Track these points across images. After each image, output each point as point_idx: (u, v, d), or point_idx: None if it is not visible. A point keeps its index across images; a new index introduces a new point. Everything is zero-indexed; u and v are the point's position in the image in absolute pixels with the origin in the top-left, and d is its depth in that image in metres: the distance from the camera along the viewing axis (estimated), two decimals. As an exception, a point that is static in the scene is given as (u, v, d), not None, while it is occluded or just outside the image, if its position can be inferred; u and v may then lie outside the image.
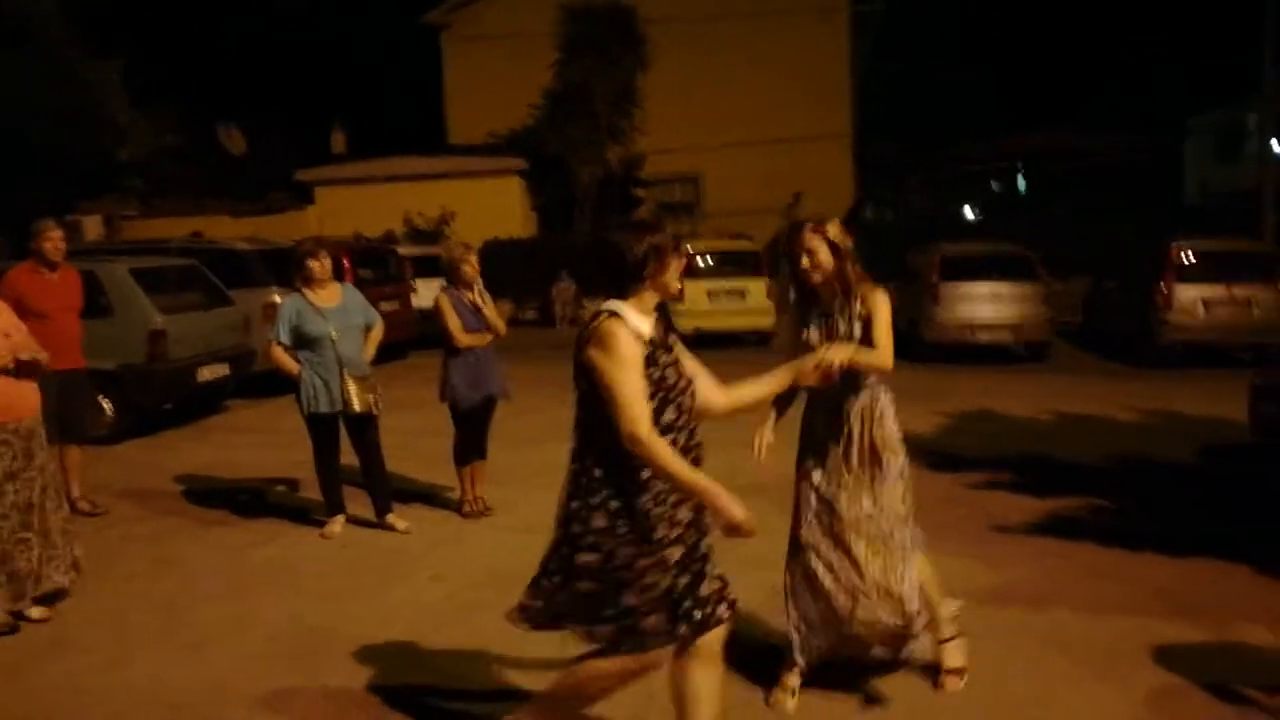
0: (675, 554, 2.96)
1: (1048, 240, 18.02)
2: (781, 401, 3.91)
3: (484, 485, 6.54)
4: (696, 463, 3.00)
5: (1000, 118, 28.21)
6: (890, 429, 3.85)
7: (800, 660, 3.83)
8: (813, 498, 3.85)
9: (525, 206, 23.52)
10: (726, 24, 24.52)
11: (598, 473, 2.95)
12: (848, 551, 3.74)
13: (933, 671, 3.96)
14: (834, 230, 3.88)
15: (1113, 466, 7.70)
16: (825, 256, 3.82)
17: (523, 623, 3.11)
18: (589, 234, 22.07)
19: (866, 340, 3.72)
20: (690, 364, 3.13)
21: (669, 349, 3.05)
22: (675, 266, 3.05)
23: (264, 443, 9.05)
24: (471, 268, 6.26)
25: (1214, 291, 12.74)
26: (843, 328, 3.79)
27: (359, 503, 6.40)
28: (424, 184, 22.23)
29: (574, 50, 21.53)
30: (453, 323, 6.18)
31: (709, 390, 3.16)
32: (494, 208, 22.11)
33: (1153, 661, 4.17)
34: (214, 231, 17.84)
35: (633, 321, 2.94)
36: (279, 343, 5.94)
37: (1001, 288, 13.42)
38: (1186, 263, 12.98)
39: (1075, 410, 9.88)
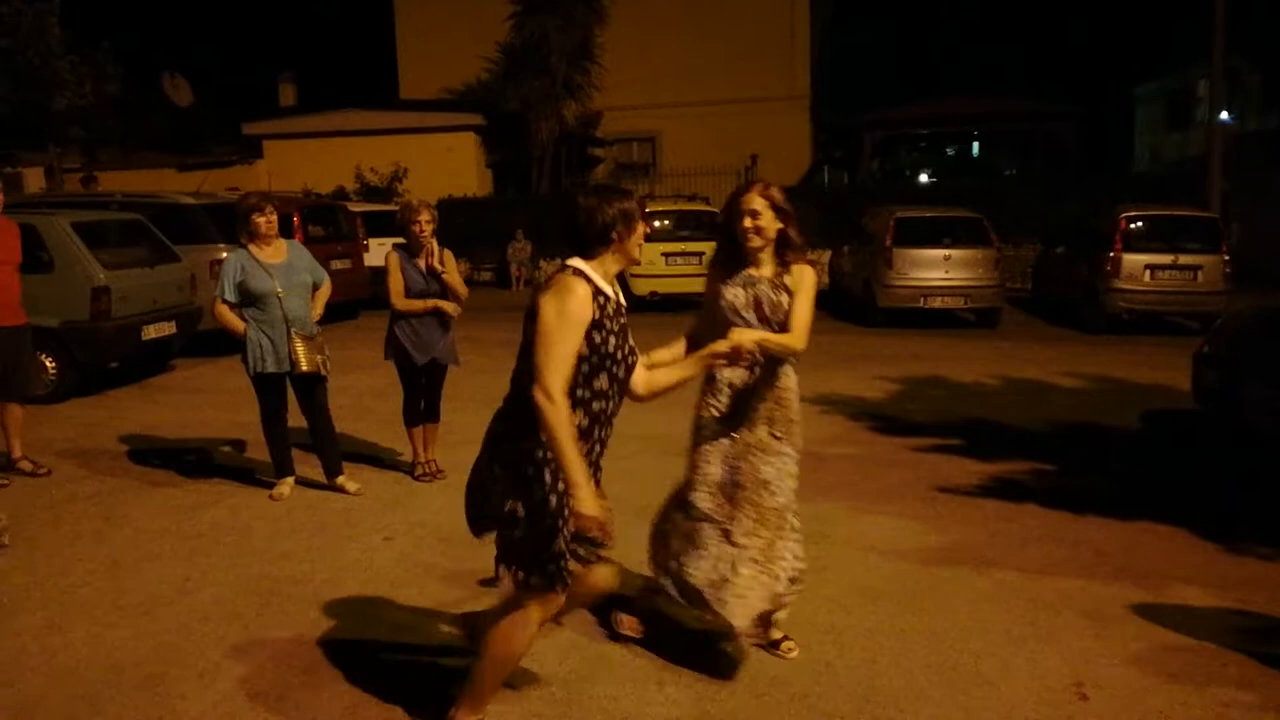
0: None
1: (999, 206, 18.20)
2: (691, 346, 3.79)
3: (436, 447, 6.49)
4: (605, 437, 3.15)
5: (954, 83, 28.32)
6: (791, 410, 3.79)
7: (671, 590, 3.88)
8: (710, 466, 3.78)
9: (480, 164, 23.24)
10: (686, -20, 24.35)
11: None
12: (733, 523, 3.72)
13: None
14: (779, 195, 3.78)
15: (1058, 431, 7.84)
16: (769, 220, 3.72)
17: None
18: (546, 193, 21.90)
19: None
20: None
21: (621, 316, 3.10)
22: (640, 234, 3.11)
23: (212, 402, 8.92)
24: (421, 229, 6.02)
25: (1160, 259, 12.95)
26: (772, 297, 3.73)
27: (309, 464, 6.34)
28: (376, 139, 21.90)
29: (529, 3, 21.20)
30: (394, 284, 6.04)
31: (632, 381, 3.22)
32: (448, 165, 21.83)
33: (1092, 622, 4.27)
34: (159, 185, 17.42)
35: (596, 281, 3.00)
36: (224, 300, 5.82)
37: (954, 253, 13.53)
38: (1133, 230, 13.18)
39: (1023, 375, 10.03)
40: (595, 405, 3.05)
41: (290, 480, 6.15)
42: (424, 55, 24.94)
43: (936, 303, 13.58)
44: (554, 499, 2.99)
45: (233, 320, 5.84)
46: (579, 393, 3.00)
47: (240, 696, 3.67)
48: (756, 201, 3.73)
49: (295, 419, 6.14)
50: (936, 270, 13.53)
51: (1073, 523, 5.58)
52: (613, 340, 3.03)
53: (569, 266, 3.02)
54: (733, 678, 3.77)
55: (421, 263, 6.05)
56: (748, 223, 3.72)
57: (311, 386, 6.04)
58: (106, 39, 18.32)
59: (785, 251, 3.76)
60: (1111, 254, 12.98)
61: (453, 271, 6.17)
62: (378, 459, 6.91)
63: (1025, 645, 4.04)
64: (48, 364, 8.75)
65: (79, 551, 5.22)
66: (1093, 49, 34.11)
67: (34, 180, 21.25)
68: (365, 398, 8.72)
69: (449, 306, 6.13)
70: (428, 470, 6.40)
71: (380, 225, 15.74)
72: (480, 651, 3.22)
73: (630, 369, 3.14)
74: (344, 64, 29.02)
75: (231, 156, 22.92)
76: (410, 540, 5.32)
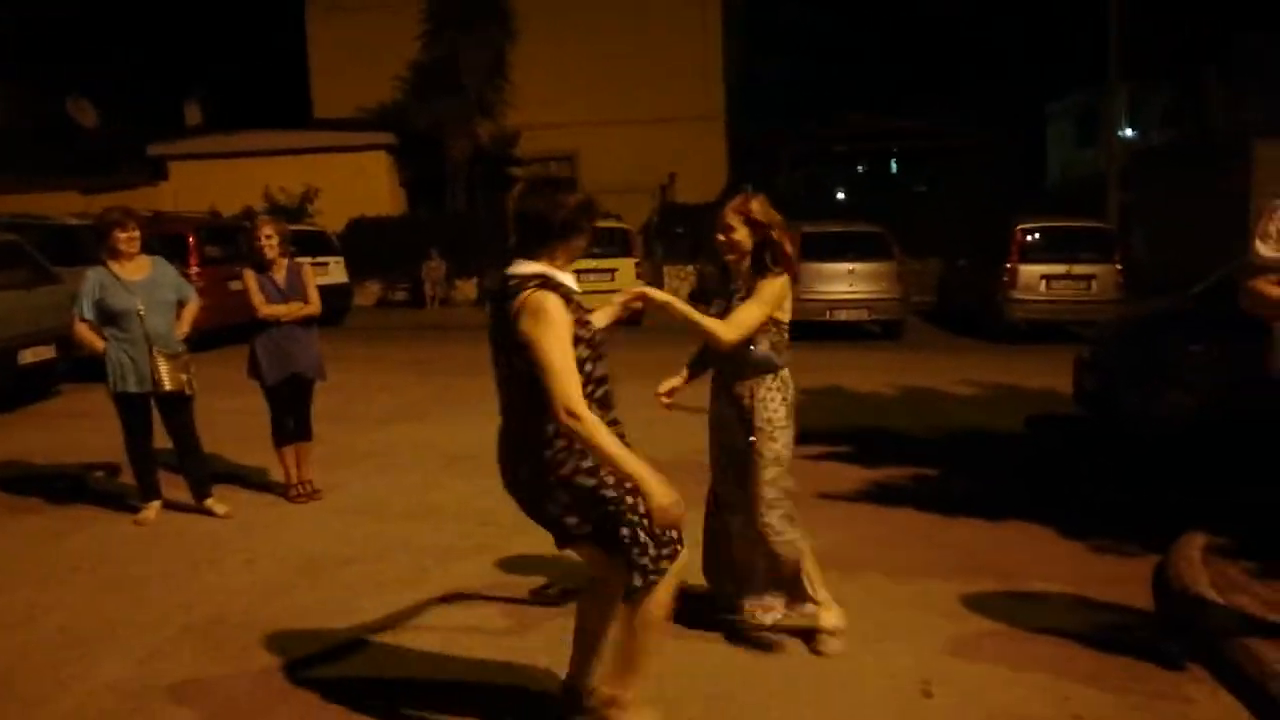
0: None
1: (910, 222, 18.56)
2: (696, 366, 4.11)
3: (311, 467, 6.36)
4: (616, 419, 3.05)
5: (866, 102, 28.83)
6: (769, 414, 3.83)
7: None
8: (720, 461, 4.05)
9: (394, 183, 23.04)
10: (598, -2, 24.44)
11: (561, 443, 2.92)
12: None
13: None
14: (758, 207, 3.76)
15: (943, 437, 7.96)
16: (742, 235, 3.74)
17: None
18: (461, 212, 21.75)
19: None
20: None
21: (582, 305, 3.01)
22: (589, 229, 3.04)
23: (93, 427, 8.57)
24: (260, 242, 6.08)
25: (1055, 269, 13.30)
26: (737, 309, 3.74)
27: (182, 487, 6.15)
28: (287, 159, 21.58)
29: (440, 21, 21.12)
30: (255, 298, 6.03)
31: None
32: (361, 184, 21.59)
33: (948, 620, 4.31)
34: (62, 210, 16.88)
35: (561, 280, 2.91)
36: (83, 319, 5.65)
37: (857, 266, 13.74)
38: (1030, 242, 13.52)
39: (919, 384, 10.20)
40: (598, 392, 2.99)
41: (156, 504, 5.96)
42: (336, 74, 24.62)
43: (841, 315, 13.76)
44: (620, 492, 2.95)
45: (91, 339, 5.69)
46: (587, 388, 2.92)
47: (64, 727, 3.51)
48: (729, 216, 3.76)
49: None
50: (841, 283, 13.72)
51: (945, 524, 5.66)
52: (589, 329, 2.98)
53: (529, 279, 2.89)
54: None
55: (278, 276, 6.02)
56: (720, 237, 3.77)
57: (176, 406, 5.88)
58: (7, 62, 17.77)
59: (762, 265, 3.74)
60: (1008, 265, 13.31)
61: (310, 285, 6.24)
62: (255, 481, 6.74)
63: (878, 645, 4.05)
64: (-84, 390, 8.41)
65: (-78, 582, 4.98)
66: (1005, 69, 35.02)
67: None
68: (252, 417, 8.42)
69: (310, 309, 6.20)
70: (302, 491, 6.25)
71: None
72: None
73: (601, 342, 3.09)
74: (255, 84, 28.43)
75: (136, 178, 22.37)
76: (272, 563, 5.17)
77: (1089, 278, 13.33)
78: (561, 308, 2.84)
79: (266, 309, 6.01)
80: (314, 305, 6.21)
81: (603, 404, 3.00)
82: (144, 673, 3.90)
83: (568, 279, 2.96)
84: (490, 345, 3.06)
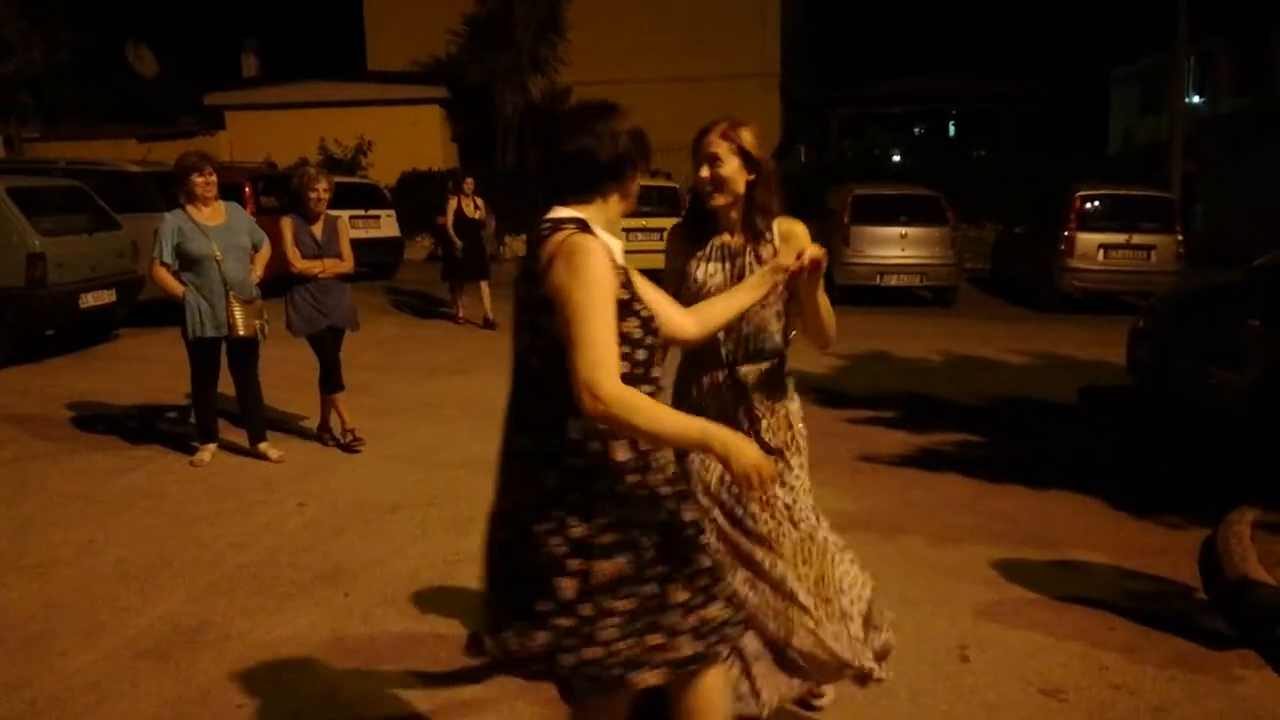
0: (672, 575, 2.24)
1: (966, 187, 18.23)
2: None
3: (351, 415, 6.49)
4: None
5: (925, 64, 28.28)
6: (800, 425, 3.13)
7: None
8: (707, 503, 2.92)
9: (445, 137, 23.09)
10: (655, -46, 24.13)
11: (588, 444, 2.17)
12: (762, 572, 2.90)
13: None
14: (750, 137, 2.82)
15: (993, 405, 7.88)
16: (732, 170, 2.80)
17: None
18: (512, 168, 21.77)
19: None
20: (650, 291, 2.37)
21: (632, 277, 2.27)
22: (644, 166, 2.31)
23: (150, 371, 8.83)
24: (318, 196, 6.10)
25: (1114, 238, 13.01)
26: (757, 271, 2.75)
27: (239, 431, 6.30)
28: (341, 111, 21.72)
29: (495, -25, 21.07)
30: (290, 249, 6.07)
31: (675, 318, 2.47)
32: (413, 138, 21.70)
33: (988, 587, 4.31)
34: (119, 156, 17.18)
35: (604, 238, 2.19)
36: (162, 262, 5.71)
37: (910, 231, 13.54)
38: (1088, 209, 13.22)
39: (967, 352, 10.08)
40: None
41: (212, 446, 6.11)
42: (391, 26, 24.66)
43: (892, 280, 13.59)
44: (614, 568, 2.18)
45: (171, 283, 5.74)
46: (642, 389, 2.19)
47: (122, 655, 3.64)
48: (715, 142, 2.80)
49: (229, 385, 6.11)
50: (892, 248, 13.54)
51: (989, 491, 5.62)
52: (642, 303, 2.23)
53: (564, 223, 2.17)
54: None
55: (316, 229, 6.08)
56: (703, 173, 2.82)
57: (246, 351, 6.01)
58: (61, 4, 18.02)
59: (754, 214, 2.85)
60: (1066, 233, 13.03)
61: (345, 242, 6.29)
62: (304, 428, 6.87)
63: (917, 609, 4.06)
64: (-18, 330, 8.66)
65: (-14, 515, 5.17)
66: (1069, 33, 34.17)
67: (-9, 149, 20.95)
68: (305, 368, 8.62)
69: (344, 266, 6.26)
70: (355, 437, 6.40)
71: (340, 197, 15.54)
72: None
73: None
74: (309, 34, 28.61)
75: (193, 128, 22.66)
76: (323, 507, 5.29)
77: (1149, 248, 13.01)
78: (606, 260, 2.11)
79: (302, 264, 6.08)
80: (348, 262, 6.29)
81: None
82: (198, 608, 4.03)
83: (613, 241, 2.24)
84: (514, 307, 2.27)
